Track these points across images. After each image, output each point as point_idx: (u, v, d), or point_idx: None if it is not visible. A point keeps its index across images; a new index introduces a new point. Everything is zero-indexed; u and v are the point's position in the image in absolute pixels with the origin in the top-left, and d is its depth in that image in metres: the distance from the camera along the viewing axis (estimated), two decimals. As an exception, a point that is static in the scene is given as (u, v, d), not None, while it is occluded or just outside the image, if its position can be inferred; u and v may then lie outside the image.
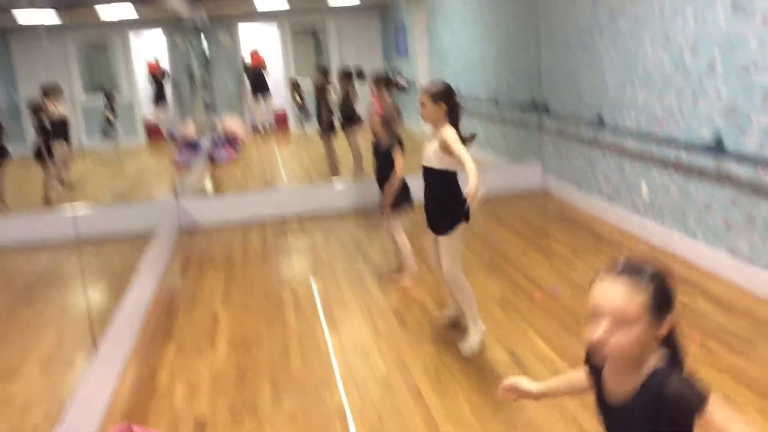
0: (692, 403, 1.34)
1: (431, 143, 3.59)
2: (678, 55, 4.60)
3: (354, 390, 3.34)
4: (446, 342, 3.77)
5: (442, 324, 4.00)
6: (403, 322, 4.11)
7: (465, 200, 3.55)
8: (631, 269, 1.39)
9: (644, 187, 5.17)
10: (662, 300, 1.38)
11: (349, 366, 3.61)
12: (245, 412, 3.22)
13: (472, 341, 3.67)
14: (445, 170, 3.55)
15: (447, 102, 3.55)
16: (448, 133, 3.47)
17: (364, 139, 6.91)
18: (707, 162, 4.43)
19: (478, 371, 3.43)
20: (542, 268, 4.78)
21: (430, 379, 3.38)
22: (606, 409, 1.50)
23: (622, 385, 1.44)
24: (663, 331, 1.39)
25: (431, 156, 3.58)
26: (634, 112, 5.21)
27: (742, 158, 4.06)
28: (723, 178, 4.30)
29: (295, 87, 11.50)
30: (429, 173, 3.63)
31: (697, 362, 3.31)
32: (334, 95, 8.44)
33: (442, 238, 3.63)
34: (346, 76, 8.00)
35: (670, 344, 1.44)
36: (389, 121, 4.68)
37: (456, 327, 3.90)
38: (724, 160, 4.25)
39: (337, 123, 8.17)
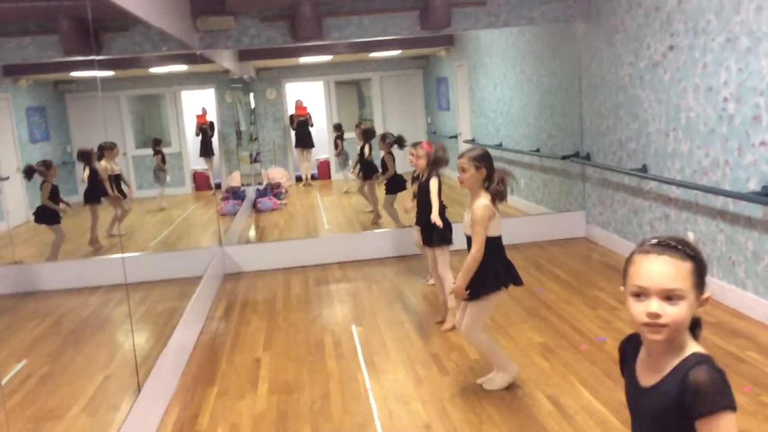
0: (703, 402, 1.33)
1: (468, 212, 3.60)
2: (721, 105, 4.58)
3: (394, 436, 3.31)
4: (488, 390, 3.72)
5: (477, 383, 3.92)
6: (444, 369, 4.07)
7: (505, 265, 3.56)
8: (670, 246, 1.42)
9: (691, 235, 5.09)
10: (702, 270, 1.42)
11: (389, 412, 3.58)
12: (285, 457, 3.21)
13: (498, 380, 3.70)
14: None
15: (487, 167, 3.56)
16: (479, 207, 3.47)
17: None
18: (755, 210, 4.36)
19: (521, 420, 3.37)
20: (586, 318, 4.71)
21: (472, 428, 3.33)
22: (638, 391, 1.50)
23: (658, 367, 1.45)
24: (705, 299, 1.43)
25: (468, 225, 3.58)
26: (678, 162, 5.17)
27: (791, 207, 3.99)
28: (772, 227, 4.22)
29: (337, 131, 11.73)
30: (469, 241, 3.61)
31: (751, 416, 3.20)
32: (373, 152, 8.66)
33: (471, 303, 3.61)
34: (385, 140, 8.18)
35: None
36: (437, 161, 4.77)
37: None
38: (772, 208, 4.18)
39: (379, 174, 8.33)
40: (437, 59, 11.87)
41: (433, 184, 4.77)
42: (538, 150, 8.01)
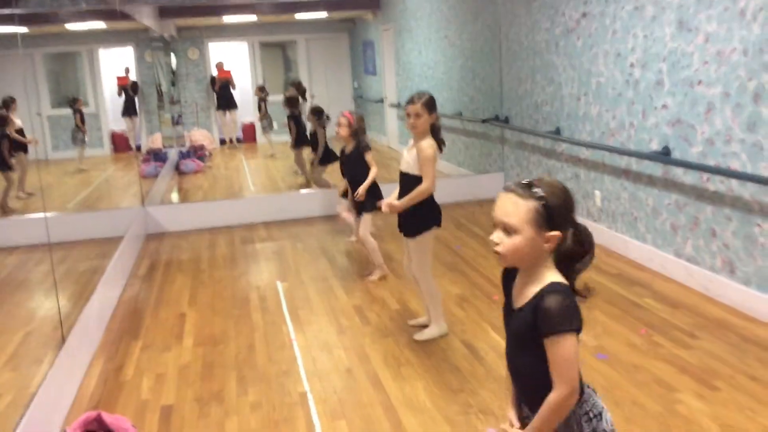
0: (547, 324, 1.55)
1: (410, 152, 3.76)
2: (628, 70, 4.86)
3: (317, 381, 3.47)
4: (407, 337, 3.92)
5: (411, 326, 4.10)
6: (366, 320, 4.25)
7: (437, 207, 3.75)
8: (522, 186, 1.61)
9: (597, 194, 5.42)
10: (546, 215, 1.58)
11: (312, 359, 3.73)
12: (211, 402, 3.31)
13: (428, 332, 3.87)
14: (421, 177, 3.71)
15: (435, 112, 3.74)
16: (428, 147, 3.65)
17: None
18: (656, 170, 4.68)
19: (436, 362, 3.58)
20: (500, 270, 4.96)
21: (391, 370, 3.52)
22: (509, 312, 1.73)
23: (524, 293, 1.66)
24: (551, 243, 1.60)
25: (411, 163, 3.74)
26: (588, 124, 5.46)
27: (687, 166, 4.31)
28: (670, 185, 4.55)
29: (261, 92, 11.56)
30: (406, 178, 3.78)
31: (644, 354, 3.51)
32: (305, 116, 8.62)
33: (412, 242, 3.79)
34: (316, 114, 8.17)
35: (570, 261, 1.65)
36: (359, 130, 4.89)
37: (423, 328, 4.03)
38: (671, 167, 4.51)
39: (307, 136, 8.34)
40: (364, 23, 11.89)
41: (370, 156, 4.89)
42: (460, 114, 8.23)
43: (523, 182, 1.62)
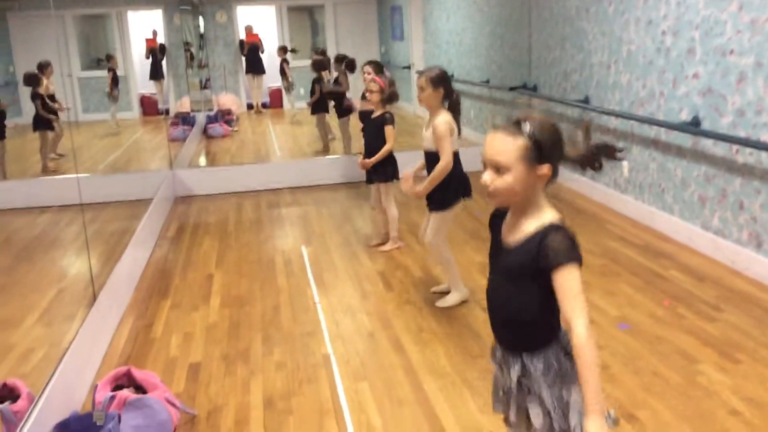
0: (554, 258, 1.58)
1: (427, 129, 3.78)
2: (660, 38, 4.77)
3: (340, 343, 3.53)
4: (429, 303, 3.96)
5: (433, 293, 4.14)
6: (389, 285, 4.29)
7: (464, 178, 3.76)
8: (511, 124, 1.63)
9: (625, 164, 5.37)
10: (536, 149, 1.60)
11: (336, 322, 3.79)
12: (237, 360, 3.40)
13: (450, 298, 3.91)
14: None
15: (444, 87, 3.74)
16: (440, 123, 3.66)
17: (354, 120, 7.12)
18: (685, 140, 4.62)
19: (457, 328, 3.63)
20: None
21: (412, 335, 3.57)
22: (499, 248, 1.74)
23: (517, 230, 1.68)
24: (542, 176, 1.62)
25: (430, 140, 3.76)
26: (618, 93, 5.39)
27: (717, 137, 4.25)
28: (699, 156, 4.49)
29: (283, 54, 11.55)
30: (428, 156, 3.82)
31: (668, 325, 3.52)
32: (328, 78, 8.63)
33: (433, 213, 3.81)
34: (340, 61, 8.17)
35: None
36: (390, 96, 4.85)
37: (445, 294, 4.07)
38: (700, 138, 4.45)
39: (330, 104, 8.35)
40: (391, -13, 11.75)
41: (389, 131, 4.82)
42: (487, 81, 8.15)
43: (513, 121, 1.63)
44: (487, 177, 1.63)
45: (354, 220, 5.81)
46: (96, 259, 4.92)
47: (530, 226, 1.65)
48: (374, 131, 4.91)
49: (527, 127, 1.60)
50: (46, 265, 5.06)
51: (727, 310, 3.65)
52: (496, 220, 1.79)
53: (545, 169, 1.62)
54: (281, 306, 4.07)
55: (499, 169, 1.61)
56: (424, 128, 3.87)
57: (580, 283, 1.58)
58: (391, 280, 4.38)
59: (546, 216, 1.65)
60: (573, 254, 1.59)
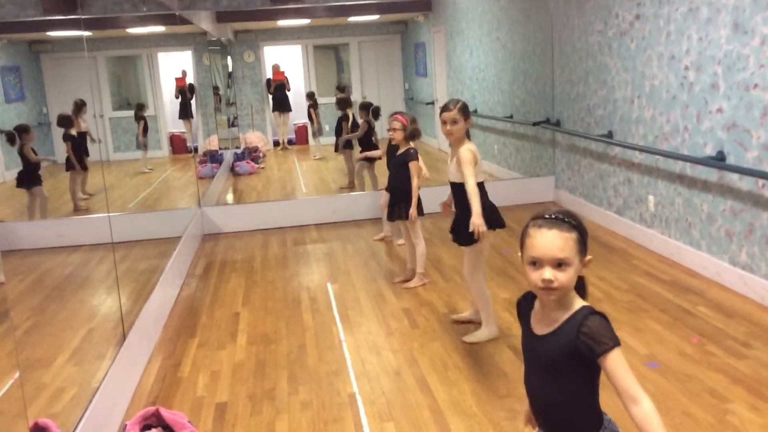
0: (600, 344, 1.62)
1: (452, 160, 3.83)
2: (683, 73, 4.78)
3: (365, 382, 3.54)
4: (455, 341, 3.96)
5: (454, 321, 4.17)
6: (414, 323, 4.30)
7: (493, 208, 3.78)
8: (558, 219, 1.68)
9: (651, 199, 5.34)
10: (584, 237, 1.69)
11: (361, 361, 3.80)
12: (263, 400, 3.42)
13: (479, 334, 3.91)
14: None
15: (470, 117, 3.85)
16: (464, 151, 3.72)
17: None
18: (711, 175, 4.60)
19: (484, 368, 3.61)
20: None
21: (438, 374, 3.57)
22: (532, 339, 1.77)
23: (551, 319, 1.72)
24: (586, 267, 1.70)
25: (455, 172, 3.81)
26: (642, 128, 5.39)
27: (743, 171, 4.22)
28: (725, 191, 4.46)
29: (310, 100, 11.78)
30: (456, 187, 3.86)
31: (697, 363, 3.47)
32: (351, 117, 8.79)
33: (466, 249, 3.83)
34: (365, 108, 8.29)
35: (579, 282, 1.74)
36: (412, 133, 4.92)
37: (468, 325, 4.07)
38: (726, 173, 4.42)
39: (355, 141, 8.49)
40: (415, 24, 11.93)
41: (413, 166, 4.85)
42: (511, 116, 8.20)
43: (553, 217, 1.69)
44: (550, 275, 1.66)
45: (379, 256, 5.84)
46: (126, 297, 5.00)
47: (562, 313, 1.70)
48: (398, 167, 4.98)
49: (573, 221, 1.68)
50: (78, 304, 5.15)
51: (756, 347, 3.59)
52: (523, 308, 1.83)
53: (588, 259, 1.70)
54: (307, 344, 4.09)
55: (561, 265, 1.66)
56: (448, 161, 3.92)
57: (627, 369, 1.64)
58: (417, 318, 4.38)
59: (576, 301, 1.71)
60: (615, 337, 1.64)
